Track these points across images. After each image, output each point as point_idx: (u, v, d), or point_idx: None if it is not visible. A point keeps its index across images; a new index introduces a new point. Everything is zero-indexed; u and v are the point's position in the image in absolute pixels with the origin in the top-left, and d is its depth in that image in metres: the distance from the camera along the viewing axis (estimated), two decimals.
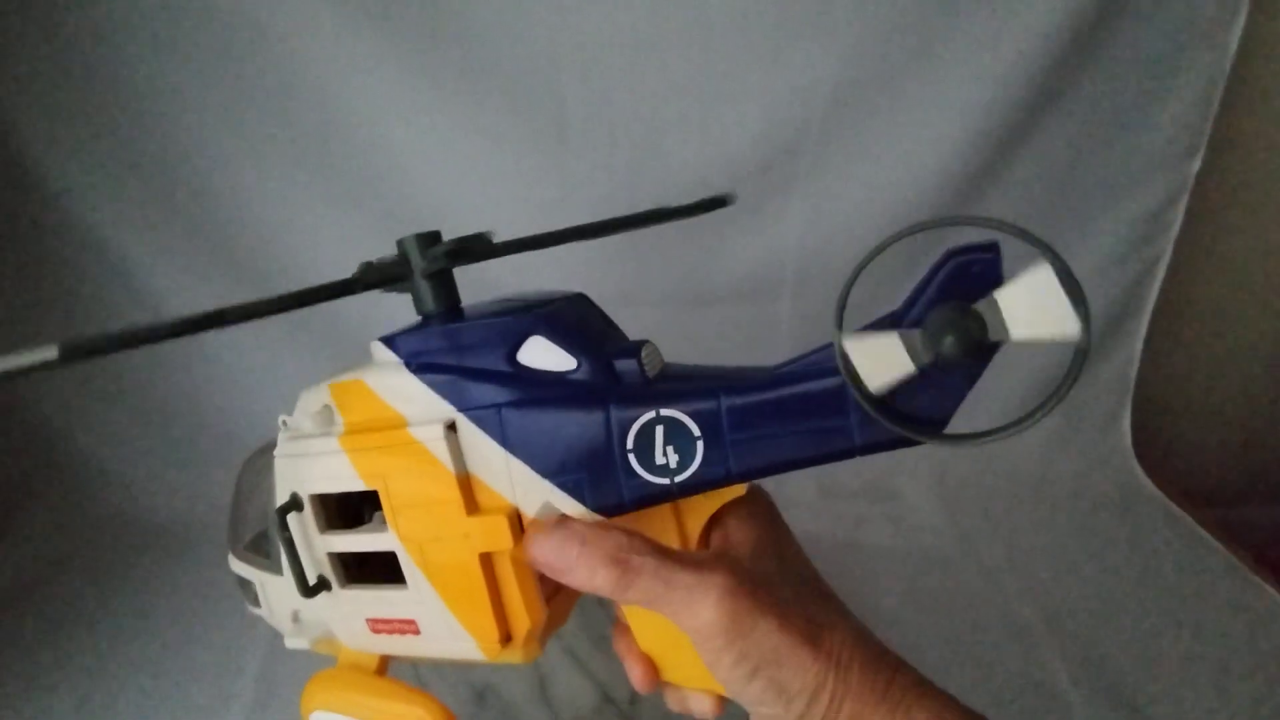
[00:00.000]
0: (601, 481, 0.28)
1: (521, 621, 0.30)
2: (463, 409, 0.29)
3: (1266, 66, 0.69)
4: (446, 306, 0.32)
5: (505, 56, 0.68)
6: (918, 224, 0.23)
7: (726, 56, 0.67)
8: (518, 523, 0.29)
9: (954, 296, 0.23)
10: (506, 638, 0.30)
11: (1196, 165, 0.71)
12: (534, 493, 0.28)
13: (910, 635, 0.55)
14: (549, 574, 0.28)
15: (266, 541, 0.36)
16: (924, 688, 0.26)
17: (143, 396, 0.80)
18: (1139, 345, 0.79)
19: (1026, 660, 0.52)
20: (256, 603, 0.37)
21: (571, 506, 0.28)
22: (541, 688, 0.52)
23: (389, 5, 0.65)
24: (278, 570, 0.35)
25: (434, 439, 0.28)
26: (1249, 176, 0.73)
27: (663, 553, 0.27)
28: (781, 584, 0.28)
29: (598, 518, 0.29)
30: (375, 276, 0.31)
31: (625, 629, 0.34)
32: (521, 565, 0.30)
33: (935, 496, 0.73)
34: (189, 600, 0.67)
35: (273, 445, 0.35)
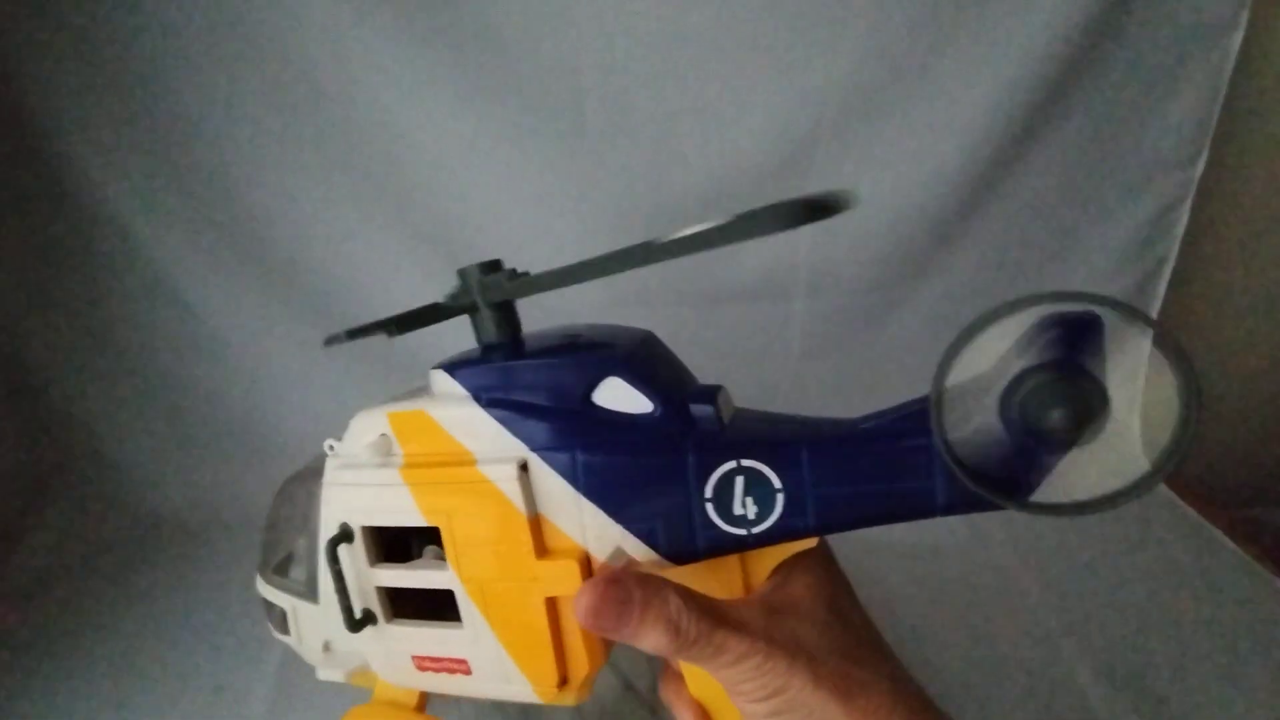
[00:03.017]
0: (676, 529, 0.28)
1: (581, 666, 0.29)
2: (535, 448, 0.28)
3: (1270, 69, 0.69)
4: (509, 336, 0.31)
5: (525, 57, 0.68)
6: (1032, 296, 0.23)
7: (742, 58, 0.68)
8: (588, 567, 0.28)
9: (1051, 365, 0.23)
10: (563, 681, 0.30)
11: (1201, 168, 0.72)
12: (606, 537, 0.28)
13: (924, 630, 0.55)
14: (599, 632, 0.27)
15: (297, 566, 0.35)
16: None
17: (166, 394, 0.80)
18: (1147, 347, 0.80)
19: (1042, 655, 0.53)
20: (284, 630, 0.36)
21: (643, 553, 0.28)
22: None
23: (408, 5, 0.65)
24: (312, 598, 0.34)
25: (506, 479, 0.28)
26: (1254, 179, 0.74)
27: (714, 617, 0.26)
28: (826, 638, 0.28)
29: (668, 565, 0.28)
30: (445, 313, 0.30)
31: (675, 675, 0.33)
32: None
33: None
34: (210, 596, 0.66)
35: (313, 470, 0.34)
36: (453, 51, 0.67)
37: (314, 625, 0.34)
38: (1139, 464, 0.23)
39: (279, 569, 0.36)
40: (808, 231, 0.74)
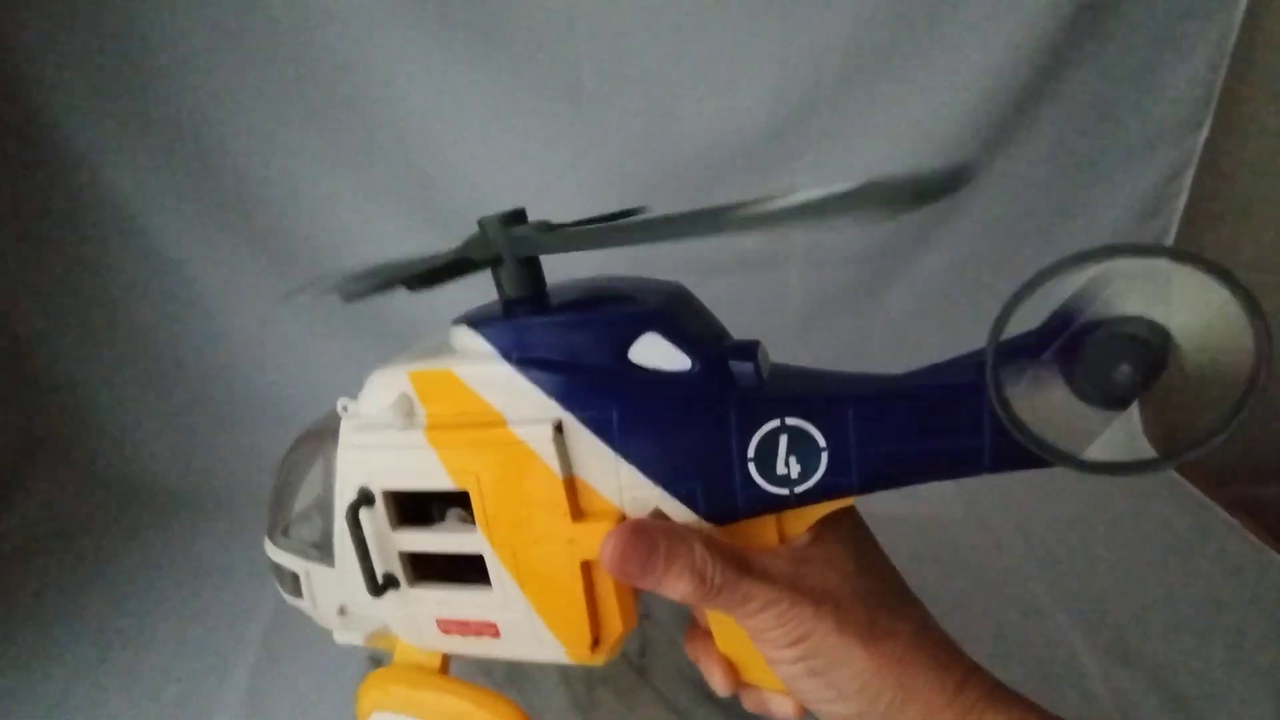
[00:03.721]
0: (717, 490, 0.27)
1: (614, 627, 0.29)
2: (570, 408, 0.27)
3: (1272, 37, 0.68)
4: (535, 291, 0.30)
5: (519, 18, 0.66)
6: (1101, 249, 0.22)
7: (739, 19, 0.66)
8: None
9: (1118, 320, 0.22)
10: (595, 643, 0.29)
11: (1203, 136, 0.71)
12: (644, 499, 0.27)
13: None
14: (624, 580, 0.26)
15: (310, 529, 0.34)
16: (998, 694, 0.26)
17: (156, 362, 0.78)
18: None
19: (1037, 626, 0.53)
20: (297, 593, 0.34)
21: (682, 514, 0.27)
22: None
23: None
24: (327, 562, 0.32)
25: (541, 440, 0.26)
26: (1256, 148, 0.73)
27: (739, 565, 0.26)
28: (851, 586, 0.28)
29: (708, 526, 0.28)
30: (469, 267, 0.29)
31: (702, 632, 0.33)
32: None
33: None
34: (196, 566, 0.66)
35: (324, 429, 0.32)
36: (446, 12, 0.65)
37: (329, 589, 0.33)
38: (1208, 420, 0.23)
39: (289, 531, 0.34)
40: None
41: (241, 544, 0.67)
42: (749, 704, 0.33)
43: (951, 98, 0.69)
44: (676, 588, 0.26)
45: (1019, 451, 0.24)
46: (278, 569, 0.35)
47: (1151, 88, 0.69)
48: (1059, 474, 0.75)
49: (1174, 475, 0.71)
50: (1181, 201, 0.74)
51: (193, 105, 0.67)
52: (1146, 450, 0.24)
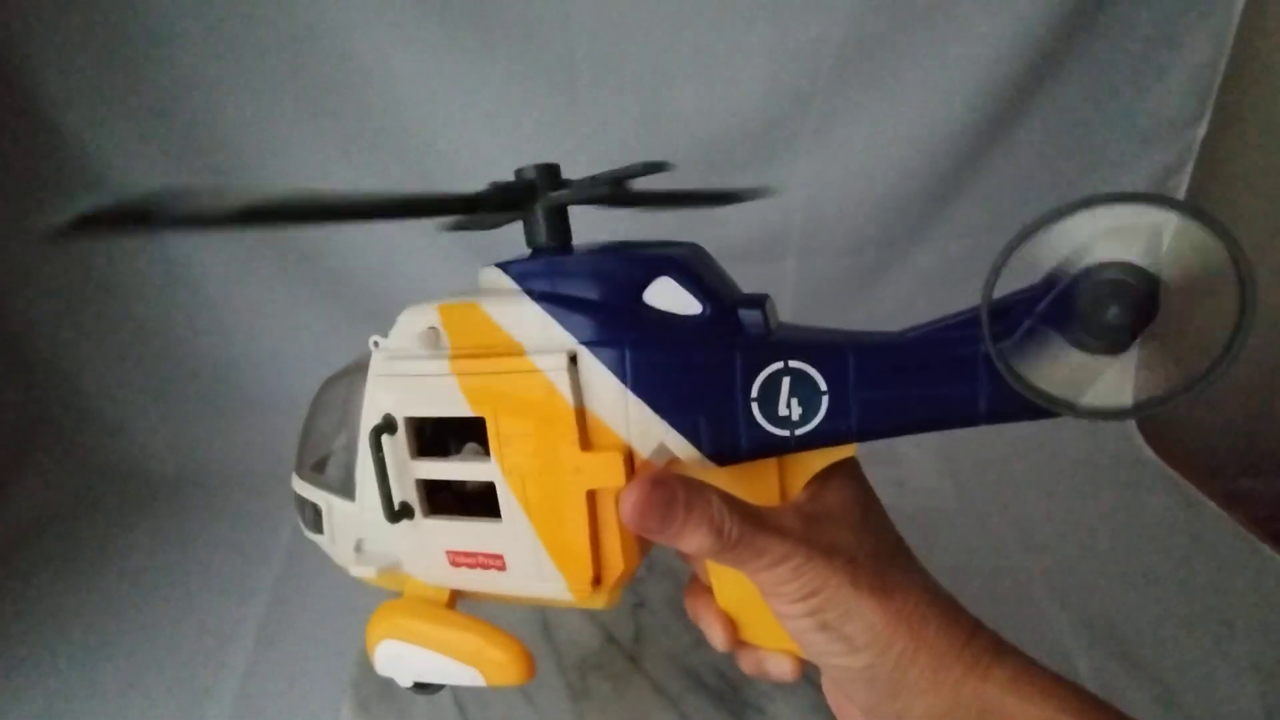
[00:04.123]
0: (721, 428, 0.28)
1: (615, 565, 0.30)
2: (585, 342, 0.28)
3: (1270, 33, 0.68)
4: (560, 243, 0.32)
5: (515, 7, 0.67)
6: (1088, 198, 0.23)
7: (735, 10, 0.67)
8: (631, 462, 0.28)
9: (1108, 265, 0.23)
10: (597, 580, 0.30)
11: (1202, 131, 0.71)
12: (650, 433, 0.28)
13: None
14: (643, 533, 0.27)
15: (334, 464, 0.35)
16: (1003, 647, 0.27)
17: (151, 346, 0.79)
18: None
19: (1030, 618, 0.53)
20: (317, 528, 0.36)
21: (687, 450, 0.28)
22: (545, 628, 0.53)
23: None
24: (348, 495, 0.34)
25: (556, 369, 0.28)
26: (1254, 143, 0.73)
27: (754, 520, 0.27)
28: (862, 543, 0.28)
29: (710, 464, 0.29)
30: (501, 198, 0.30)
31: (701, 589, 0.34)
32: None
33: (938, 461, 0.73)
34: (192, 551, 0.67)
35: (356, 367, 0.34)
36: (444, 1, 0.66)
37: (347, 523, 0.35)
38: (1193, 366, 0.23)
39: (316, 466, 0.36)
40: (801, 188, 0.73)
41: (238, 529, 0.69)
42: (745, 664, 0.33)
43: (947, 90, 0.69)
44: (694, 540, 0.26)
45: (1015, 400, 0.25)
46: (301, 501, 0.37)
47: (1149, 83, 0.69)
48: (1050, 464, 0.73)
49: (1165, 468, 0.70)
50: (1180, 195, 0.73)
51: (191, 91, 0.69)
52: (1140, 395, 0.24)
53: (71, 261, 0.75)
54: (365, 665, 0.47)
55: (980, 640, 0.26)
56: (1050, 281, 0.24)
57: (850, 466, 0.32)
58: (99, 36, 0.66)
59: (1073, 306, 0.23)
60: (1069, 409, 0.24)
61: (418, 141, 0.72)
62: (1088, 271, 0.23)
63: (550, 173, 0.31)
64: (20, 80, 0.67)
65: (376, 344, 0.33)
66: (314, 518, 0.36)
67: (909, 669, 0.26)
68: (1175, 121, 0.71)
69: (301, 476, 0.36)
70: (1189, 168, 0.73)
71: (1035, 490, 0.67)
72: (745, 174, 0.72)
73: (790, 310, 0.78)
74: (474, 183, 0.78)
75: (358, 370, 0.34)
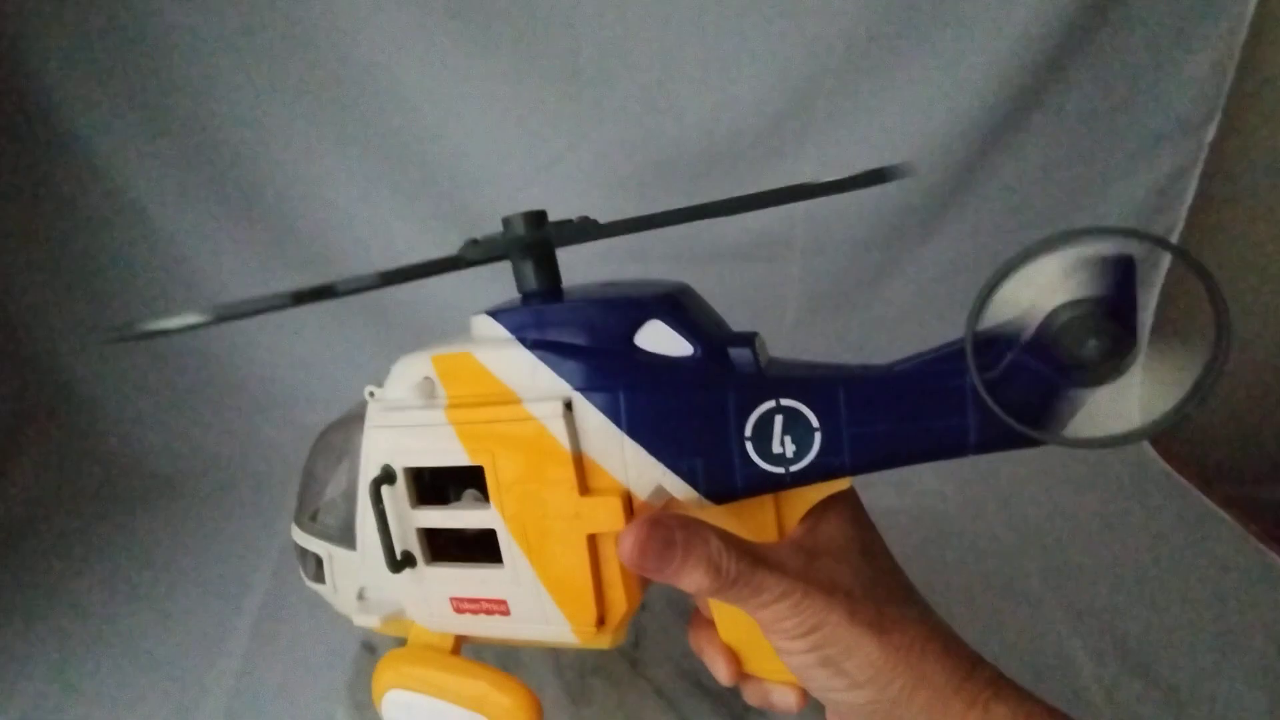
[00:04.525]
0: (717, 468, 0.28)
1: (619, 605, 0.30)
2: (579, 388, 0.29)
3: None
4: (549, 286, 0.32)
5: (518, 1, 0.67)
6: (1064, 234, 0.23)
7: (741, 6, 0.67)
8: (629, 505, 0.29)
9: (1086, 300, 0.24)
10: (600, 621, 0.30)
11: (1211, 134, 0.70)
12: (648, 476, 0.29)
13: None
14: (642, 573, 0.27)
15: (334, 513, 0.35)
16: (1003, 683, 0.27)
17: (149, 342, 0.79)
18: (1149, 320, 0.75)
19: (1033, 622, 0.53)
20: (318, 578, 0.36)
21: (684, 491, 0.29)
22: None
23: None
24: (349, 544, 0.34)
25: (552, 416, 0.28)
26: (1263, 145, 0.72)
27: (752, 558, 0.27)
28: (860, 578, 0.29)
29: (708, 504, 0.29)
30: (480, 254, 0.31)
31: (705, 622, 0.34)
32: None
33: (940, 464, 0.72)
34: (185, 547, 0.67)
35: (352, 417, 0.34)
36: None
37: (349, 572, 0.35)
38: (1168, 398, 0.24)
39: (315, 516, 0.36)
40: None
41: (233, 524, 0.68)
42: (750, 696, 0.33)
43: (956, 89, 0.68)
44: (693, 579, 0.26)
45: (1003, 431, 0.25)
46: (302, 553, 0.37)
47: (1159, 83, 0.69)
48: (1054, 468, 0.72)
49: (1169, 471, 0.70)
50: (1189, 198, 0.73)
51: (189, 81, 0.68)
52: (1120, 426, 0.25)
53: (67, 250, 0.74)
54: (361, 666, 0.47)
55: (979, 676, 0.27)
56: (1031, 314, 0.25)
57: (848, 499, 0.32)
58: (96, 23, 0.66)
59: (1053, 339, 0.24)
60: (1053, 439, 0.25)
61: (418, 134, 0.72)
62: (1067, 305, 0.24)
63: (536, 220, 0.32)
64: (18, 73, 0.67)
65: (372, 394, 0.33)
66: (315, 568, 0.36)
67: (909, 705, 0.26)
68: (1185, 123, 0.70)
69: (301, 526, 0.37)
70: (1198, 169, 0.72)
71: (1039, 495, 0.67)
72: (751, 170, 0.71)
73: (796, 309, 0.79)
74: (478, 177, 0.72)
75: (354, 420, 0.34)
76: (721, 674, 0.33)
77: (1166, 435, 0.75)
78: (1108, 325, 0.23)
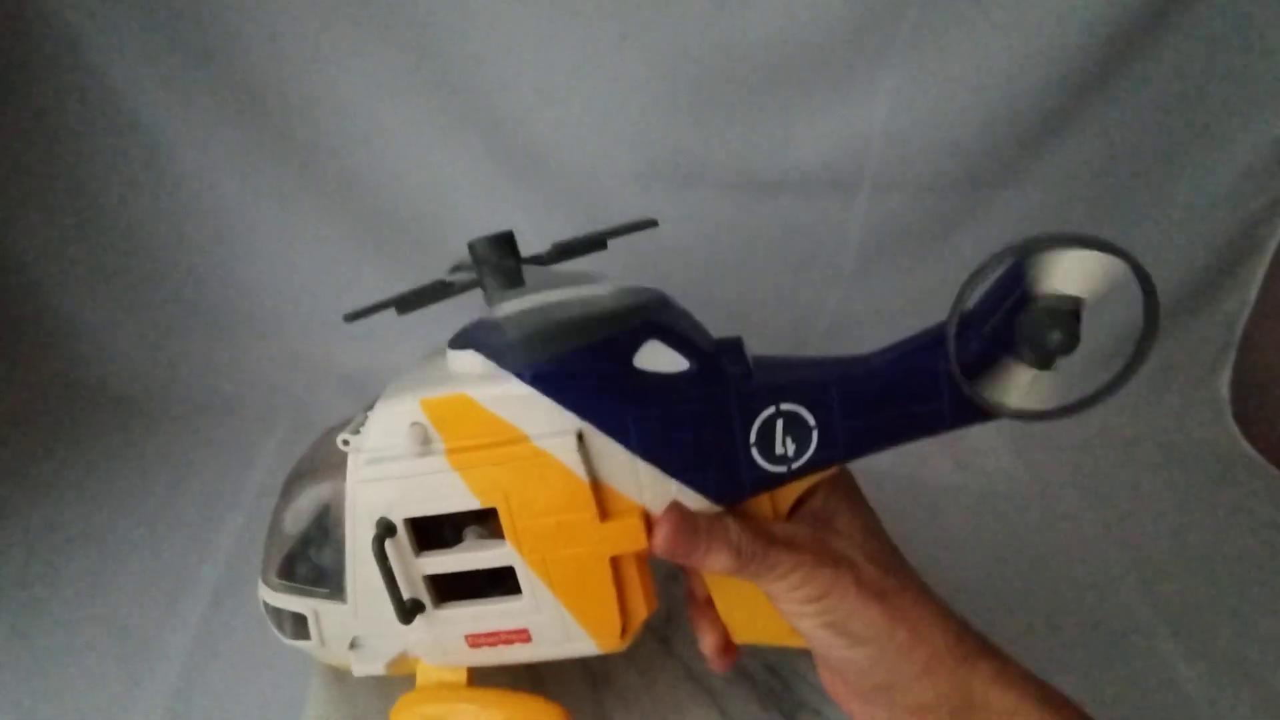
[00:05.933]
0: (725, 475, 0.30)
1: (639, 612, 0.31)
2: (588, 418, 0.29)
3: None
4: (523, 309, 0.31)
5: None
6: (1021, 244, 0.26)
7: None
8: (647, 522, 0.30)
9: (1043, 296, 0.27)
10: (624, 630, 0.31)
11: None
12: (662, 492, 0.29)
13: (984, 578, 0.52)
14: (673, 559, 0.30)
15: (314, 569, 0.33)
16: (989, 646, 0.31)
17: (127, 258, 0.70)
18: (1253, 292, 0.69)
19: (1110, 607, 0.51)
20: (299, 635, 0.34)
21: (697, 501, 0.30)
22: None
23: None
24: (338, 598, 0.32)
25: (566, 450, 0.28)
26: None
27: (767, 538, 0.30)
28: (863, 551, 0.32)
29: (718, 508, 0.30)
30: (458, 288, 0.30)
31: (700, 602, 0.36)
32: (642, 558, 0.31)
33: (1006, 440, 0.67)
34: (162, 473, 0.62)
35: (318, 466, 0.32)
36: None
37: (340, 625, 0.33)
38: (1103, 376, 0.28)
39: (290, 574, 0.33)
40: (881, 113, 0.64)
41: (206, 462, 0.64)
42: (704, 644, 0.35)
43: (1065, 14, 0.59)
44: (717, 560, 0.29)
45: (970, 408, 0.29)
46: (277, 613, 0.34)
47: (1271, 39, 0.61)
48: (1133, 452, 0.69)
49: (1260, 461, 0.66)
50: None
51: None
52: (1061, 400, 0.29)
53: (49, 160, 0.65)
54: None
55: (969, 638, 0.31)
56: (993, 305, 0.28)
57: (836, 481, 0.34)
58: None
59: (1017, 330, 0.27)
60: (1009, 413, 0.29)
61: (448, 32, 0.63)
62: (1036, 300, 0.27)
63: (503, 243, 0.30)
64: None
65: (347, 443, 0.30)
66: (295, 626, 0.34)
67: (908, 661, 0.30)
68: None
69: (271, 586, 0.34)
70: None
71: (1113, 475, 0.63)
72: (819, 91, 0.63)
73: (855, 260, 0.71)
74: (520, 75, 0.65)
75: (325, 471, 0.31)
76: (707, 644, 0.35)
77: (1256, 418, 0.70)
78: (1070, 321, 0.27)
